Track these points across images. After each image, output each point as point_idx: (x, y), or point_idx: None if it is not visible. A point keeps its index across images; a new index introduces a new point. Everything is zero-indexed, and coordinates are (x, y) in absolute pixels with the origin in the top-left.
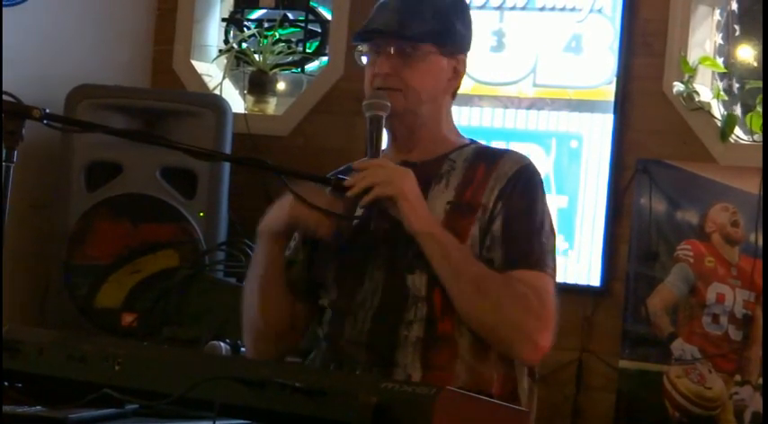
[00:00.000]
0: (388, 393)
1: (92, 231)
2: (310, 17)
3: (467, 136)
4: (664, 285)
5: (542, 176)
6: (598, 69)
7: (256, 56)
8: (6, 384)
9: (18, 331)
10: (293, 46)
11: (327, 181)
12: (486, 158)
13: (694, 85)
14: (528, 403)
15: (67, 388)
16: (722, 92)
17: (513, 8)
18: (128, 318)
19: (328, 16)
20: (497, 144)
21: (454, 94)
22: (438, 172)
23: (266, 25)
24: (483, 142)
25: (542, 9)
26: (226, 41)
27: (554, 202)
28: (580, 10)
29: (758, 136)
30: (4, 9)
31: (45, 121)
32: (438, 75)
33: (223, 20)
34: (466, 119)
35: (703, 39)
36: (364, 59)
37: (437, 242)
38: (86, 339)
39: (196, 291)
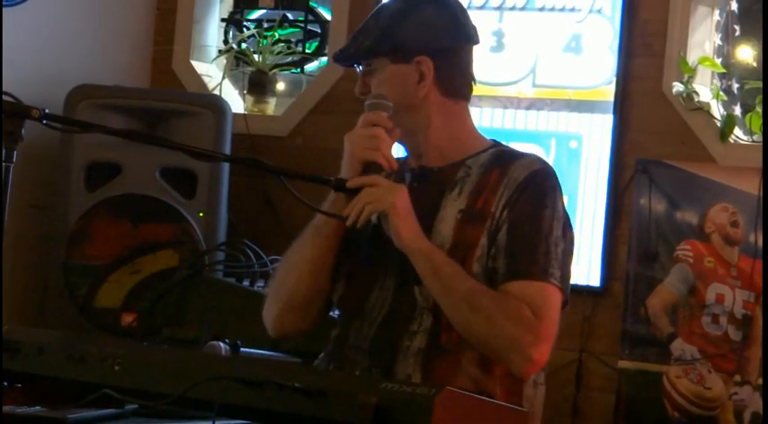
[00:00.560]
0: (388, 393)
1: (91, 231)
2: (310, 17)
3: (489, 138)
4: (663, 285)
5: (557, 179)
6: (598, 69)
7: (256, 56)
8: (6, 384)
9: (18, 331)
10: (293, 46)
11: (327, 182)
12: (500, 163)
13: (694, 86)
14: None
15: (67, 388)
16: (722, 93)
17: (512, 8)
18: (127, 318)
19: (328, 16)
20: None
21: (451, 94)
22: (453, 179)
23: (266, 25)
24: (504, 144)
25: (542, 9)
26: (225, 42)
27: None
28: (579, 10)
29: (758, 137)
30: (4, 9)
31: (44, 121)
32: (401, 83)
33: (222, 20)
34: None
35: (703, 39)
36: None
37: (426, 258)
38: (86, 339)
39: (196, 291)
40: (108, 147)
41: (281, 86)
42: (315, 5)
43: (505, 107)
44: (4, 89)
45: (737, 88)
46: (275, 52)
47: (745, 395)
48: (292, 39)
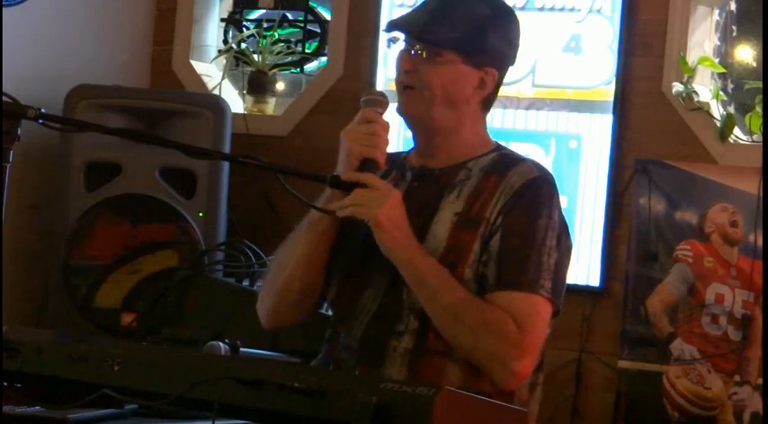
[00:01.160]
0: (387, 393)
1: (91, 231)
2: (309, 17)
3: (495, 142)
4: (663, 285)
5: (555, 187)
6: (597, 69)
7: (255, 56)
8: (6, 384)
9: (17, 331)
10: (292, 46)
11: (323, 178)
12: (499, 168)
13: (693, 86)
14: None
15: (67, 388)
16: (721, 93)
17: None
18: (127, 318)
19: (327, 16)
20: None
21: (485, 106)
22: (453, 181)
23: (265, 25)
24: (507, 148)
25: (541, 9)
26: (225, 41)
27: None
28: (579, 10)
29: (757, 137)
30: (4, 9)
31: (40, 121)
32: (458, 82)
33: (222, 20)
34: None
35: (702, 39)
36: (392, 45)
37: (412, 268)
38: (85, 339)
39: (195, 291)
40: (108, 147)
41: (280, 86)
42: (314, 5)
43: (505, 107)
44: (4, 89)
45: (737, 88)
46: (275, 52)
47: (745, 395)
48: (292, 39)
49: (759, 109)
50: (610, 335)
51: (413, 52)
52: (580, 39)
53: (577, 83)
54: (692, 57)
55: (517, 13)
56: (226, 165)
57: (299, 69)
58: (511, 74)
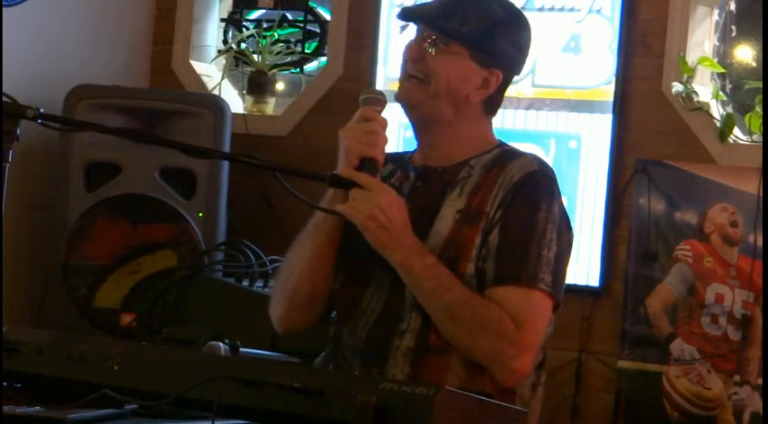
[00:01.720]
0: (387, 393)
1: (91, 231)
2: (309, 17)
3: (499, 140)
4: (663, 285)
5: (555, 181)
6: (597, 69)
7: (255, 56)
8: (5, 384)
9: (17, 331)
10: (292, 46)
11: (322, 178)
12: (499, 163)
13: (693, 86)
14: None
15: (66, 388)
16: (721, 93)
17: None
18: (126, 318)
19: (327, 16)
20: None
21: (488, 108)
22: (455, 179)
23: (265, 25)
24: (509, 145)
25: (541, 9)
26: (224, 42)
27: None
28: (579, 10)
29: (757, 137)
30: (4, 9)
31: (40, 121)
32: (464, 76)
33: (222, 20)
34: None
35: (702, 39)
36: (404, 33)
37: (407, 270)
38: (85, 339)
39: (195, 291)
40: (107, 147)
41: (280, 86)
42: (314, 5)
43: (505, 107)
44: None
45: (737, 88)
46: (274, 52)
47: (745, 395)
48: (292, 40)
49: (759, 109)
50: (609, 335)
51: (425, 38)
52: (580, 39)
53: (577, 83)
54: (691, 57)
55: None
56: (225, 165)
57: (298, 69)
58: None
